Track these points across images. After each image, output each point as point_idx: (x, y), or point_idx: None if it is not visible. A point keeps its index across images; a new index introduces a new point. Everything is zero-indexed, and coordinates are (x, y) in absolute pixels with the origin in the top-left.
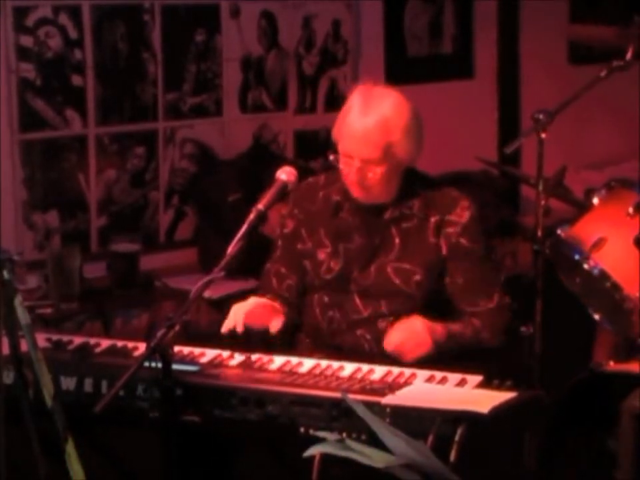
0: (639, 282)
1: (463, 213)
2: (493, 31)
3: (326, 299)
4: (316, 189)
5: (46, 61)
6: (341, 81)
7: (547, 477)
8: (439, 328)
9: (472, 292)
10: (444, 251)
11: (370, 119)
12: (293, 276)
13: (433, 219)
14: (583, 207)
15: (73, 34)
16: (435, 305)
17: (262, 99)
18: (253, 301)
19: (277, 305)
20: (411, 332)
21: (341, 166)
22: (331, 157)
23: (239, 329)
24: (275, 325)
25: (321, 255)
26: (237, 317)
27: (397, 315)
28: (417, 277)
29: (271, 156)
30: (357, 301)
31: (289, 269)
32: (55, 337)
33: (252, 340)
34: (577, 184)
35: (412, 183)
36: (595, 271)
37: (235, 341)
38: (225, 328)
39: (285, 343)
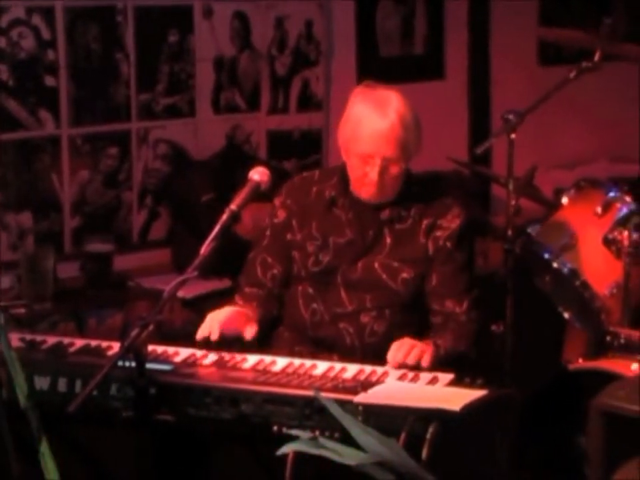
0: (607, 280)
1: (454, 220)
2: (464, 32)
3: (310, 290)
4: (310, 184)
5: (19, 62)
6: (313, 81)
7: (519, 475)
8: (429, 341)
9: (444, 293)
10: (430, 251)
11: (389, 119)
12: (278, 266)
13: (425, 222)
14: (552, 207)
15: (46, 35)
16: (417, 304)
17: (235, 100)
18: (227, 309)
19: (250, 312)
20: (409, 344)
21: (357, 168)
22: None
23: (214, 337)
24: (249, 332)
25: (310, 247)
26: (212, 325)
27: (380, 310)
28: (405, 275)
29: (244, 156)
30: (343, 294)
31: (275, 259)
32: (28, 337)
33: (226, 347)
34: (547, 184)
35: (410, 185)
36: (565, 270)
37: (209, 348)
38: (200, 335)
39: (262, 344)
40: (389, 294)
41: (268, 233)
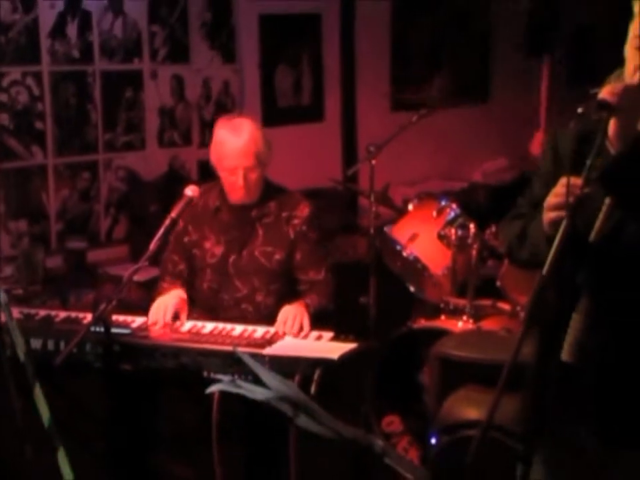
0: (440, 264)
1: (304, 209)
2: (338, 89)
3: (212, 281)
4: (198, 197)
5: (16, 111)
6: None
7: (380, 403)
8: (301, 302)
9: (306, 265)
10: (292, 236)
11: (243, 138)
12: (182, 263)
13: (284, 214)
14: (401, 212)
15: (36, 92)
16: (289, 279)
17: (174, 137)
18: (167, 297)
19: (182, 293)
20: (290, 315)
21: (227, 178)
22: None
23: (160, 325)
24: (183, 316)
25: (207, 245)
26: (157, 313)
27: (267, 288)
28: (277, 256)
29: (181, 178)
30: (236, 282)
31: (180, 257)
32: (25, 311)
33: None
34: (397, 196)
35: (268, 189)
36: (411, 257)
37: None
38: (152, 320)
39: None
40: (269, 273)
41: (171, 239)
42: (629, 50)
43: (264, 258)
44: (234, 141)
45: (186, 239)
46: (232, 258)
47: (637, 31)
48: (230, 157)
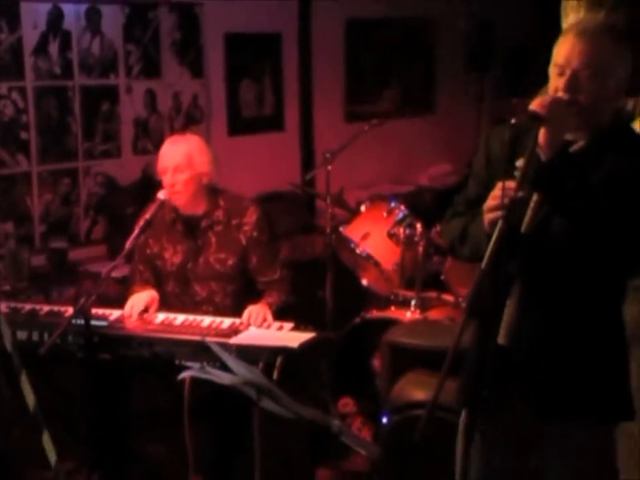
0: (390, 260)
1: (252, 215)
2: (297, 101)
3: (174, 286)
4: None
5: (3, 123)
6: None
7: (337, 388)
8: (264, 302)
9: (262, 268)
10: (244, 242)
11: (177, 143)
12: (148, 271)
13: (234, 222)
14: (354, 213)
15: (21, 105)
16: (245, 280)
17: (147, 146)
18: (140, 296)
19: (154, 292)
20: (254, 312)
21: (164, 183)
22: None
23: (134, 318)
24: (153, 310)
25: (166, 255)
26: (132, 308)
27: (224, 290)
28: (230, 262)
29: (154, 183)
30: (195, 287)
31: (145, 267)
32: (12, 305)
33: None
34: (351, 198)
35: (215, 198)
36: (363, 254)
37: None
38: (127, 313)
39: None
40: (225, 277)
41: (136, 251)
42: (552, 71)
43: (218, 264)
44: (170, 146)
45: (148, 251)
46: (189, 265)
47: (556, 60)
48: (161, 158)
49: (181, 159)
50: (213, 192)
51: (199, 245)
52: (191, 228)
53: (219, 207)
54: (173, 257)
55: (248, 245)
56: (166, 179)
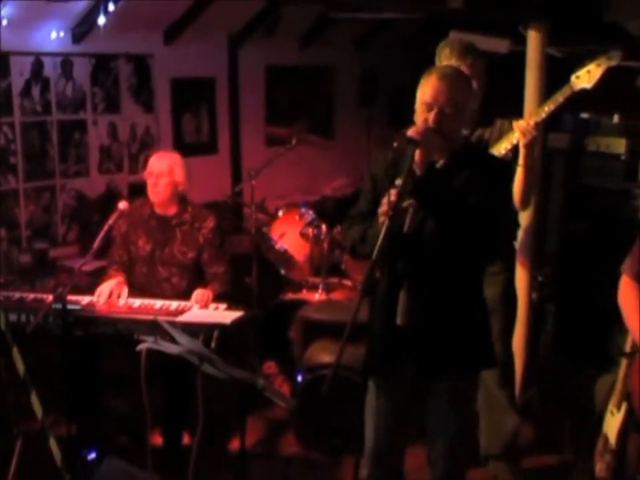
0: (302, 254)
1: (210, 222)
2: (227, 130)
3: (143, 267)
4: (136, 208)
5: None
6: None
7: (260, 353)
8: (209, 288)
9: (211, 262)
10: (201, 241)
11: (164, 158)
12: (125, 255)
13: (196, 225)
14: (274, 217)
15: (10, 136)
16: (198, 269)
17: (110, 167)
18: (110, 283)
19: (122, 278)
20: (200, 295)
21: (148, 183)
22: None
23: (102, 302)
24: (124, 294)
25: (140, 242)
26: (102, 293)
27: (181, 274)
28: (190, 255)
29: (116, 196)
30: (159, 269)
31: (123, 251)
32: (4, 294)
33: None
34: (271, 205)
35: (185, 205)
36: (281, 249)
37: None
38: (96, 298)
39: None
40: (183, 265)
41: (117, 237)
42: (418, 107)
43: (180, 255)
44: (155, 157)
45: (127, 239)
46: (157, 253)
47: (423, 98)
48: (150, 165)
49: (164, 168)
50: (183, 200)
51: (167, 238)
52: (162, 224)
53: (186, 212)
54: (145, 245)
55: (204, 243)
56: (150, 181)
